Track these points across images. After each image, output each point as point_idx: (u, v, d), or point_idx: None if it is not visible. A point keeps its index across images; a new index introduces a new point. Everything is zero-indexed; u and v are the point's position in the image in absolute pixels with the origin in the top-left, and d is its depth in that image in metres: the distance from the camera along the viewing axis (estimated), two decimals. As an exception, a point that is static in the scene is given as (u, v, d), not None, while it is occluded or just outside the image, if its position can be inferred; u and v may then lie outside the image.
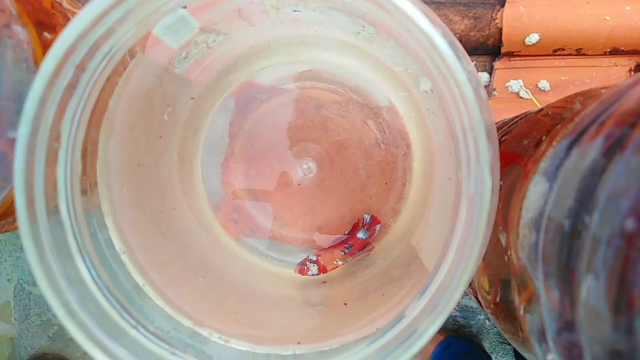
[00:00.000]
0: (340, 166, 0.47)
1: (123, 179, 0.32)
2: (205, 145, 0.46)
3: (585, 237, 0.15)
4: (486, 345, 0.82)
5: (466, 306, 0.82)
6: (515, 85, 0.58)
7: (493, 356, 0.81)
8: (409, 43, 0.21)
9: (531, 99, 0.57)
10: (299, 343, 0.32)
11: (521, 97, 0.58)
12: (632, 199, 0.13)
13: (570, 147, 0.20)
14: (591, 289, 0.14)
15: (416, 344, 0.21)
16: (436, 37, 0.18)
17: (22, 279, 0.87)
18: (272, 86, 0.47)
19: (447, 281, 0.23)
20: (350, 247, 0.45)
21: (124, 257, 0.30)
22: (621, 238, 0.13)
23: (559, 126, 0.24)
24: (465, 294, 0.74)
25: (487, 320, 0.81)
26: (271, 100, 0.47)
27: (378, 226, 0.46)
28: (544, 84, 0.57)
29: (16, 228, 0.37)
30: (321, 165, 0.47)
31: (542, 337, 0.20)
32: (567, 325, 0.16)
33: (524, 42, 0.55)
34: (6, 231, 0.34)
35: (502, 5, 0.55)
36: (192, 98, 0.41)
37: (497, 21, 0.56)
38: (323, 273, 0.43)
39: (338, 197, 0.48)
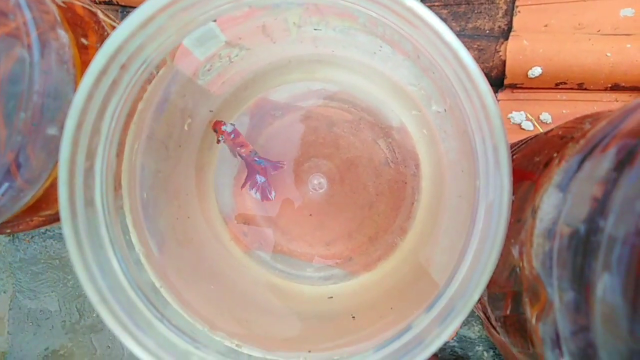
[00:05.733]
0: (350, 183, 0.48)
1: (144, 184, 0.33)
2: (220, 158, 0.47)
3: (601, 238, 0.16)
4: (484, 376, 0.81)
5: (464, 337, 0.81)
6: (517, 116, 0.59)
7: (490, 388, 0.79)
8: (432, 59, 0.22)
9: (534, 128, 0.59)
10: (309, 351, 0.32)
11: (523, 129, 0.59)
12: (647, 200, 0.14)
13: (582, 161, 0.21)
14: (607, 286, 0.15)
15: (422, 354, 0.21)
16: (461, 50, 0.19)
17: (18, 292, 0.86)
18: (287, 103, 0.48)
19: (459, 291, 0.23)
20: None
21: (142, 258, 0.31)
22: (637, 236, 0.14)
23: (570, 144, 0.26)
24: (465, 322, 0.74)
25: (485, 352, 0.80)
26: (285, 117, 0.48)
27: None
28: (545, 116, 0.58)
29: (17, 231, 0.37)
30: (331, 181, 0.48)
31: (554, 343, 0.21)
32: (582, 326, 0.17)
33: (527, 75, 0.56)
34: (12, 233, 0.35)
35: (506, 39, 0.57)
36: (211, 111, 0.43)
37: (500, 54, 0.57)
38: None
39: (347, 213, 0.49)
